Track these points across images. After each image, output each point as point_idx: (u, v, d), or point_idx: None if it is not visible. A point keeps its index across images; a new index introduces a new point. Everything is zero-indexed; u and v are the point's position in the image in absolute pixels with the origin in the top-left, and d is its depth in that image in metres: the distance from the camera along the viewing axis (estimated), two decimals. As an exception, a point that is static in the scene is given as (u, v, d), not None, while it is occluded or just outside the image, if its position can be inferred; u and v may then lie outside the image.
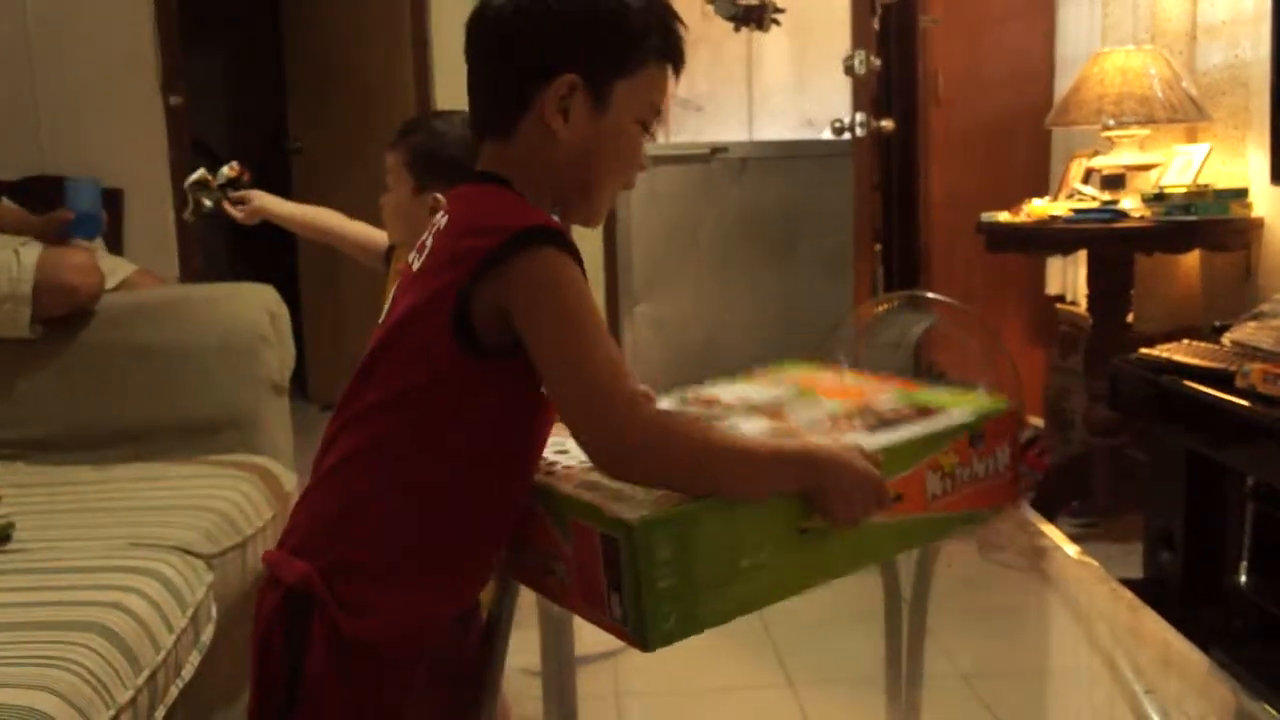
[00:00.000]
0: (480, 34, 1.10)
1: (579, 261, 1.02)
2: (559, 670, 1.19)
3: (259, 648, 1.06)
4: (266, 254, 4.92)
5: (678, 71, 1.11)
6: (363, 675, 1.03)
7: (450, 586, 1.07)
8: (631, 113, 1.08)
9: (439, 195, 1.83)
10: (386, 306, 1.10)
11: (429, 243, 1.07)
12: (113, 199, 3.58)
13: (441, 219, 1.08)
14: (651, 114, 1.10)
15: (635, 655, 1.23)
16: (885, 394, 1.16)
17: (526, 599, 1.24)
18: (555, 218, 1.06)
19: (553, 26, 1.06)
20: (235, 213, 2.10)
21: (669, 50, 1.10)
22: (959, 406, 1.12)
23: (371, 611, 1.03)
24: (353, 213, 2.06)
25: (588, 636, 1.17)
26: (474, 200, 1.07)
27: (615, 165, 1.10)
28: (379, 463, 1.04)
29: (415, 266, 1.07)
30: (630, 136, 1.09)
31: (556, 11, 1.06)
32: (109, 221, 3.10)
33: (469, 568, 1.08)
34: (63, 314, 2.37)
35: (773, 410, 1.13)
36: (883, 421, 1.09)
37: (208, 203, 2.16)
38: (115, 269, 2.74)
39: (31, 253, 2.37)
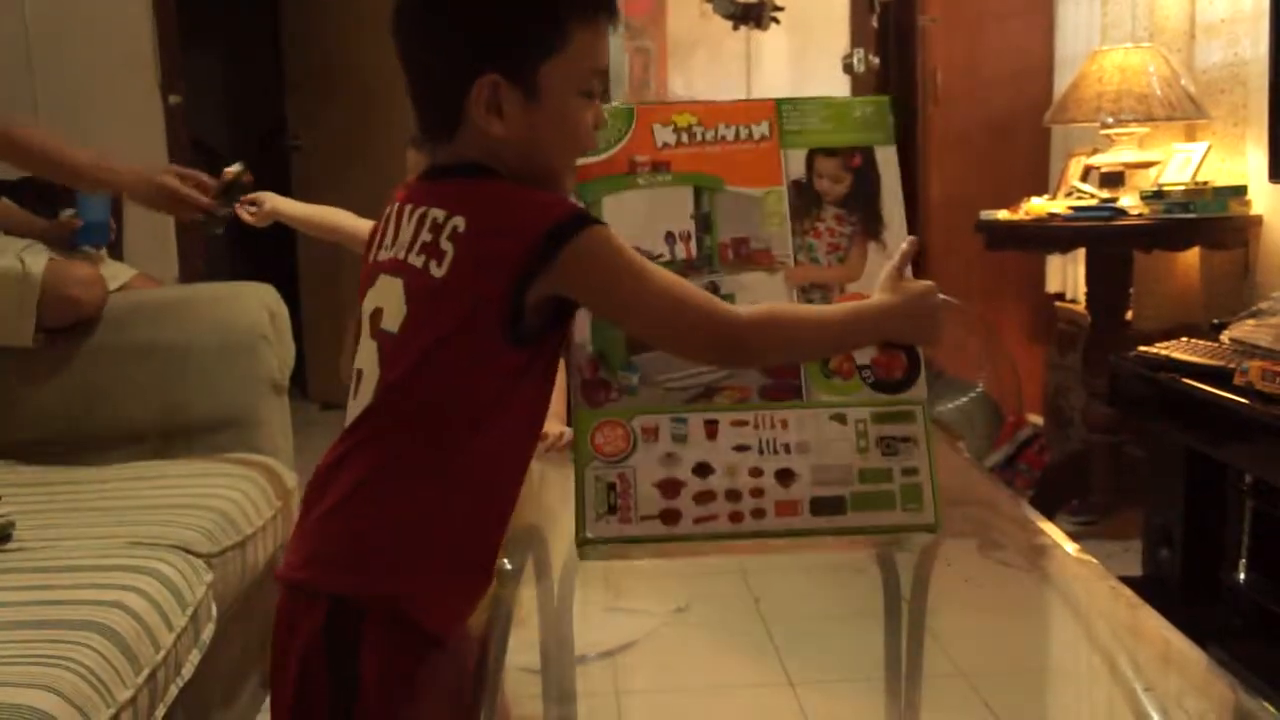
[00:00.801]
0: (399, 42, 1.07)
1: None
2: (559, 669, 1.20)
3: (299, 665, 1.04)
4: (267, 253, 4.92)
5: (613, 22, 1.06)
6: (416, 673, 1.04)
7: (485, 569, 1.09)
8: (569, 88, 1.04)
9: None
10: (402, 308, 1.06)
11: (447, 247, 1.03)
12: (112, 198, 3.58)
13: (450, 220, 1.04)
14: (593, 79, 1.05)
15: (635, 654, 1.23)
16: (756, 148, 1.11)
17: (526, 596, 1.24)
18: None
19: (460, 26, 1.03)
20: (247, 216, 2.08)
21: (593, 7, 1.04)
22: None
23: (432, 608, 1.04)
24: (353, 210, 2.06)
25: (587, 636, 1.18)
26: (487, 199, 1.05)
27: (569, 144, 1.07)
28: (417, 469, 1.03)
29: (437, 273, 1.03)
30: (574, 112, 1.05)
31: (460, 8, 1.03)
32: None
33: (495, 546, 1.09)
34: (66, 325, 2.38)
35: (761, 256, 1.11)
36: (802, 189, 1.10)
37: (219, 212, 2.12)
38: (116, 274, 2.74)
39: (37, 262, 2.38)
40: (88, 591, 1.55)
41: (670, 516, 1.02)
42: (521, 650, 1.17)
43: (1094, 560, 1.25)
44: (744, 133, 1.11)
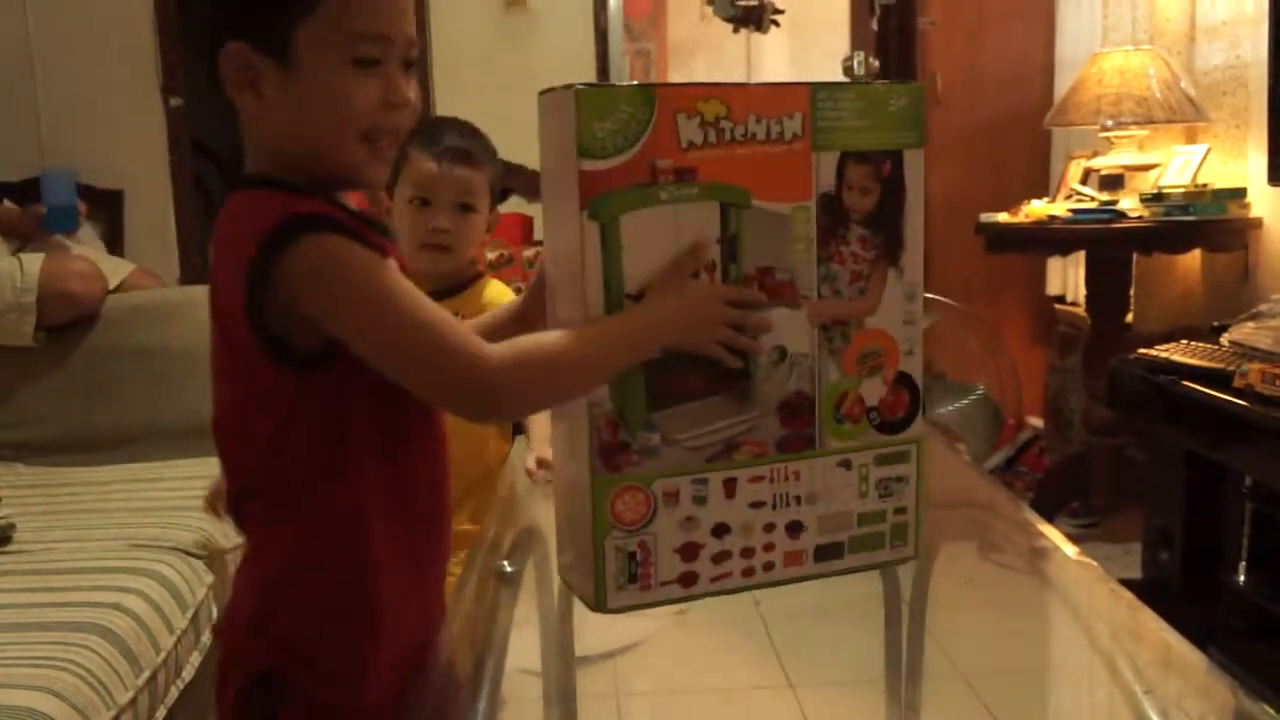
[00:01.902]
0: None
1: (357, 234, 0.91)
2: (559, 670, 1.20)
3: None
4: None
5: None
6: None
7: (400, 623, 1.01)
8: (331, 54, 0.91)
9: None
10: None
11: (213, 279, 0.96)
12: (113, 200, 3.58)
13: (212, 248, 0.96)
14: (368, 44, 0.92)
15: (636, 655, 1.23)
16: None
17: (526, 598, 1.24)
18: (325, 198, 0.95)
19: None
20: None
21: None
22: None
23: (338, 677, 0.97)
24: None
25: (588, 637, 1.18)
26: (226, 218, 0.96)
27: (339, 123, 0.93)
28: (286, 533, 0.97)
29: (213, 312, 0.97)
30: (341, 83, 0.91)
31: None
32: (110, 223, 3.11)
33: (412, 596, 1.02)
34: (66, 321, 2.39)
35: (785, 289, 0.97)
36: None
37: None
38: (115, 269, 2.75)
39: (35, 261, 2.38)
40: (88, 593, 1.55)
41: (688, 579, 0.98)
42: (521, 652, 1.17)
43: (1094, 563, 1.26)
44: (775, 130, 0.95)
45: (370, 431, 0.95)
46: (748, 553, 0.99)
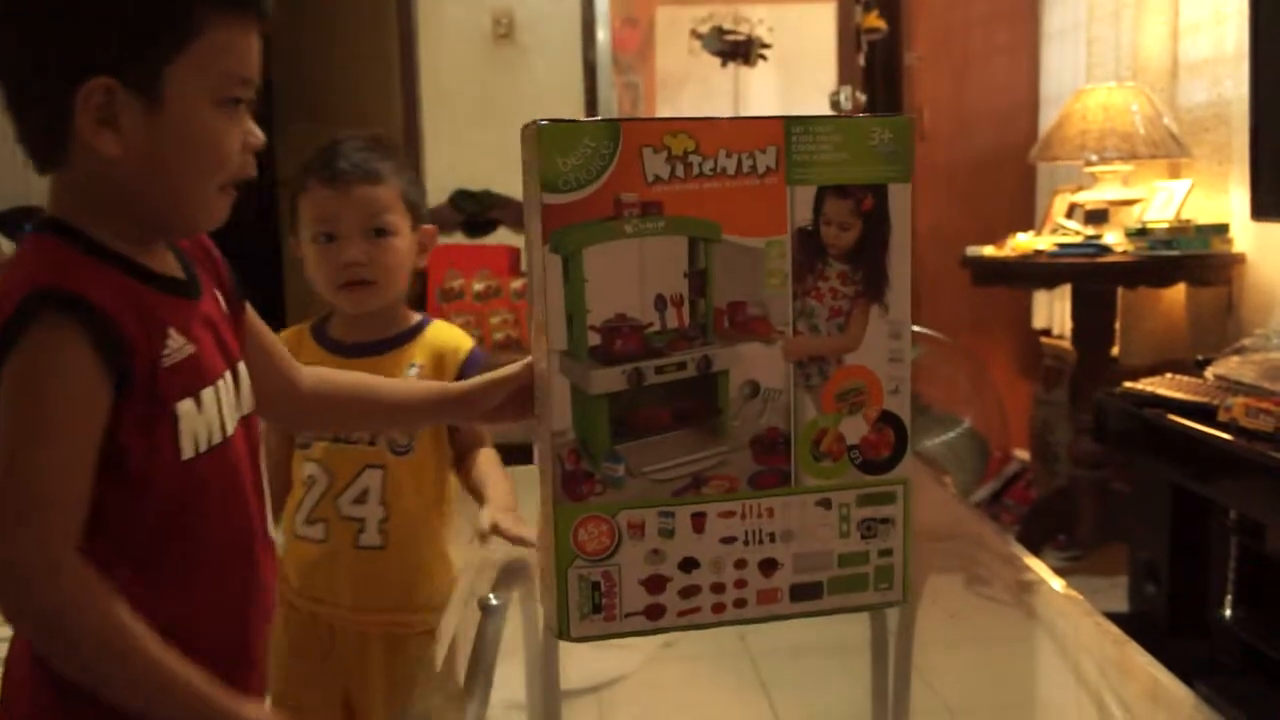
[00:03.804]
0: None
1: (102, 330, 0.82)
2: (545, 704, 1.19)
3: None
4: (253, 283, 4.90)
5: (259, 14, 0.89)
6: None
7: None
8: (203, 95, 0.86)
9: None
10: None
11: None
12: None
13: None
14: (236, 85, 0.88)
15: (621, 688, 1.22)
16: None
17: (512, 630, 1.23)
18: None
19: (60, 21, 0.84)
20: None
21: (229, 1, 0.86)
22: None
23: None
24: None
25: (573, 670, 1.17)
26: (11, 262, 0.87)
27: (203, 162, 0.88)
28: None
29: None
30: (209, 122, 0.87)
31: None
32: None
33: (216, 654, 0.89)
34: None
35: (758, 325, 0.96)
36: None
37: None
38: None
39: None
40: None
41: (654, 611, 0.97)
42: (507, 685, 1.16)
43: (1080, 596, 1.26)
44: (747, 164, 0.94)
45: (122, 529, 0.86)
46: (718, 588, 0.98)
